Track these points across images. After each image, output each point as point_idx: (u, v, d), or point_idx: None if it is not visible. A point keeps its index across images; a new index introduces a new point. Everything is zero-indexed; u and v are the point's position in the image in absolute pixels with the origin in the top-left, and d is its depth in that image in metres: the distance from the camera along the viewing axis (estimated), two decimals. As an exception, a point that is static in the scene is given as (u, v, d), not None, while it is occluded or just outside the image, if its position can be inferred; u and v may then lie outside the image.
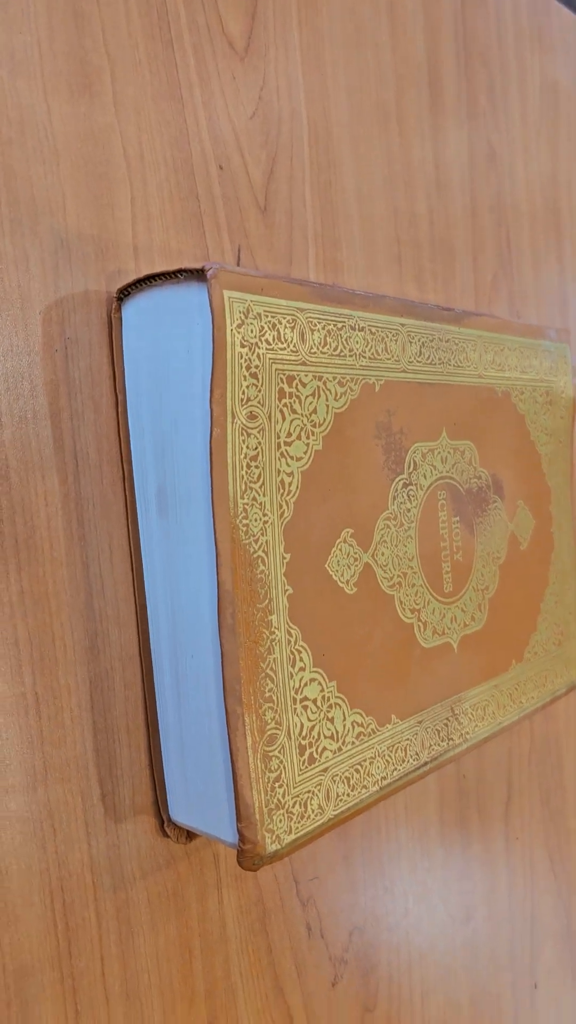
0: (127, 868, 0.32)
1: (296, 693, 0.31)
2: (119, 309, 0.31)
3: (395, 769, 0.36)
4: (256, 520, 0.30)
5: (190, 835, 0.33)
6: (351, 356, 0.34)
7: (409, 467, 0.37)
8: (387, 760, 0.36)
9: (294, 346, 0.31)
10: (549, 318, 0.60)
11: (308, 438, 0.32)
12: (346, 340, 0.34)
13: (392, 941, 0.45)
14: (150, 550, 0.31)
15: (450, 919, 0.50)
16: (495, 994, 0.55)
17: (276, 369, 0.30)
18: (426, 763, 0.38)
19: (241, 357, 0.29)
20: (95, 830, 0.31)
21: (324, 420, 0.33)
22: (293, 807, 0.31)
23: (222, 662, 0.29)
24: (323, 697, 0.32)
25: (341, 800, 0.33)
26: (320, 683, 0.32)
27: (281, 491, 0.31)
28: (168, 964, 0.33)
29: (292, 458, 0.31)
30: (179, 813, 0.32)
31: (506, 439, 0.45)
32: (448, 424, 0.40)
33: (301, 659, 0.31)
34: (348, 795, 0.34)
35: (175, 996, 0.33)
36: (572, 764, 0.62)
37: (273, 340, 0.30)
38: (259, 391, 0.30)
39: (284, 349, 0.31)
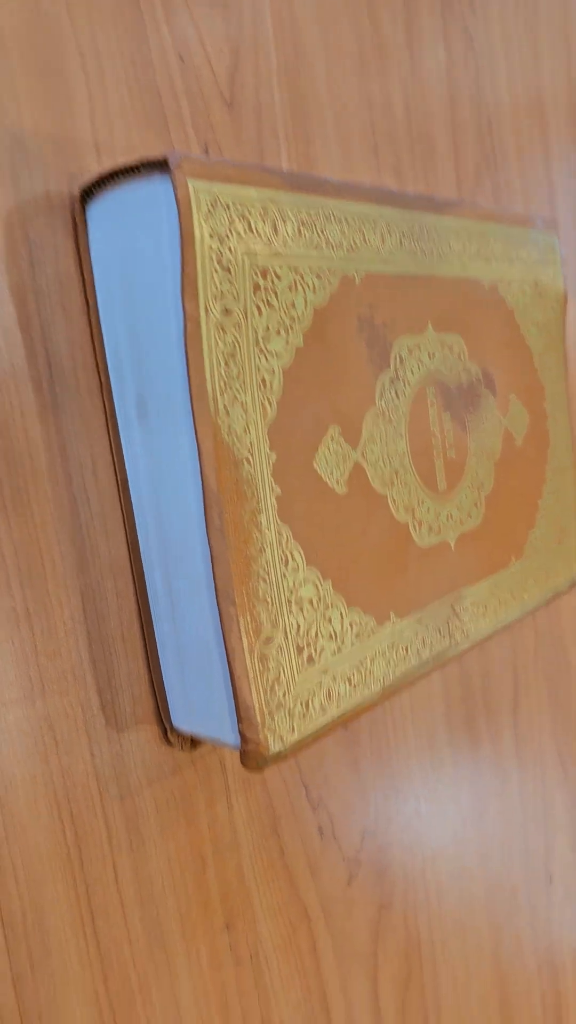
0: (133, 777, 0.32)
1: (291, 593, 0.31)
2: (83, 210, 0.30)
3: (397, 667, 0.36)
4: (238, 419, 0.29)
5: (194, 742, 0.33)
6: (328, 247, 0.33)
7: (395, 362, 0.36)
8: (388, 659, 0.36)
9: (267, 237, 0.30)
10: (537, 211, 0.58)
11: (288, 334, 0.31)
12: (321, 231, 0.32)
13: (405, 840, 0.46)
14: (133, 458, 0.31)
15: (461, 818, 0.51)
16: (510, 888, 0.56)
17: (249, 262, 0.29)
18: (428, 661, 0.38)
19: (211, 250, 0.28)
20: (97, 740, 0.31)
21: (303, 315, 0.32)
22: (294, 707, 0.31)
23: (212, 564, 0.28)
24: (319, 597, 0.32)
25: (343, 699, 0.33)
26: (315, 583, 0.32)
27: (263, 389, 0.30)
28: (181, 869, 0.33)
29: (272, 355, 0.30)
30: (181, 720, 0.32)
31: (495, 333, 0.44)
32: (433, 317, 0.39)
33: (294, 559, 0.31)
34: (350, 694, 0.33)
35: (190, 900, 0.34)
36: (578, 663, 0.63)
37: (244, 231, 0.29)
38: (232, 285, 0.29)
39: (256, 241, 0.30)
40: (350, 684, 0.33)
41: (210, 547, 0.28)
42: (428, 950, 0.48)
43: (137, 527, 0.31)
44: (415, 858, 0.47)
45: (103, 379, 0.31)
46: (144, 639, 0.32)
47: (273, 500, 0.30)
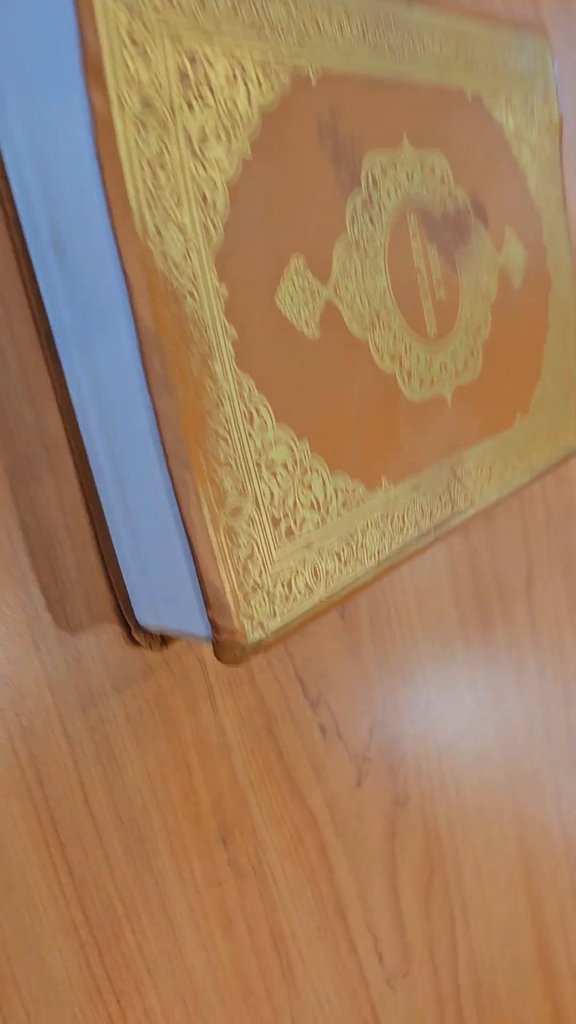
0: (95, 684, 0.27)
1: (259, 456, 0.26)
2: (-38, -3, 0.24)
3: (393, 540, 0.31)
4: (175, 243, 0.23)
5: (165, 640, 0.29)
6: (272, 32, 0.27)
7: (367, 182, 0.31)
8: (383, 530, 0.31)
9: (191, 12, 0.24)
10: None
11: (230, 140, 0.25)
12: (262, 8, 0.26)
13: (417, 732, 0.42)
14: (55, 306, 0.25)
15: (478, 705, 0.47)
16: (532, 773, 0.53)
17: (172, 42, 0.23)
18: (429, 531, 0.33)
19: (119, 23, 0.22)
20: (46, 645, 0.26)
21: (249, 117, 0.26)
22: (274, 588, 0.26)
23: (157, 423, 0.23)
24: (294, 460, 0.27)
25: (332, 578, 0.29)
26: (288, 444, 0.27)
27: (203, 207, 0.24)
28: (163, 782, 0.29)
29: (212, 164, 0.25)
30: (146, 615, 0.28)
31: (483, 153, 0.38)
32: (409, 130, 0.33)
33: (260, 415, 0.26)
34: (340, 571, 0.29)
35: (178, 814, 0.30)
36: (592, 535, 0.58)
37: (161, 3, 0.23)
38: (151, 70, 0.23)
39: (178, 14, 0.24)
40: (339, 560, 0.29)
41: (152, 401, 0.23)
42: (449, 844, 0.45)
43: (70, 389, 0.26)
44: (430, 750, 0.43)
45: (9, 211, 0.25)
46: (93, 525, 0.27)
47: (228, 344, 0.25)
